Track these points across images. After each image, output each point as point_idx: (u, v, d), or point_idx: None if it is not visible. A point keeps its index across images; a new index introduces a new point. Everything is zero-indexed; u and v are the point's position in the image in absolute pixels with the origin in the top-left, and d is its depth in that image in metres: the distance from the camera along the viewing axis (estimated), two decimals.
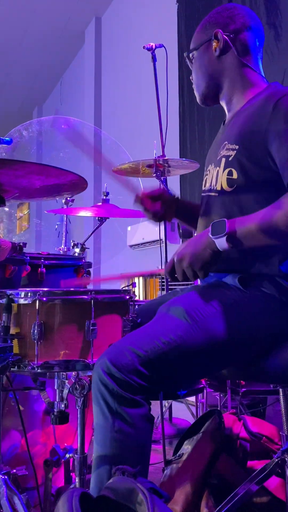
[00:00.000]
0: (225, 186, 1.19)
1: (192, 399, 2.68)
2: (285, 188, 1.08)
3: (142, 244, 4.46)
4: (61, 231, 2.61)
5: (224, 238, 1.04)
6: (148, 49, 2.18)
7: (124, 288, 1.33)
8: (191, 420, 2.47)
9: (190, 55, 1.34)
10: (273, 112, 1.10)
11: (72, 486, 1.28)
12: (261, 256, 1.13)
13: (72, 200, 2.35)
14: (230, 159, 1.18)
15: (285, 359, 1.10)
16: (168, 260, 1.16)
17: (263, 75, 1.30)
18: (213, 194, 1.25)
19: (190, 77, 1.39)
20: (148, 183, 2.66)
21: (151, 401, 1.03)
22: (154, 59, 2.21)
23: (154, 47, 2.18)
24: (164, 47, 2.22)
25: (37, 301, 1.10)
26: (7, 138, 1.00)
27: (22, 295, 1.13)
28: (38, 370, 1.10)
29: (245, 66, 1.26)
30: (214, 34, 1.25)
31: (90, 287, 1.74)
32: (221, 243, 1.05)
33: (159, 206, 1.38)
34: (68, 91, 7.58)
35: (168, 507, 1.35)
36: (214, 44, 1.26)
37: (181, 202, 1.47)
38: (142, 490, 0.73)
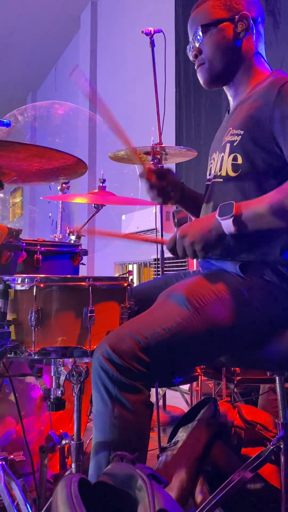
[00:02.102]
0: (230, 172, 1.19)
1: (186, 387, 2.69)
2: None
3: (136, 233, 4.44)
4: (55, 219, 2.58)
5: (231, 220, 1.04)
6: (147, 34, 2.15)
7: (122, 276, 1.32)
8: (185, 408, 2.48)
9: (201, 28, 1.23)
10: (277, 97, 1.10)
11: (67, 472, 1.28)
12: (262, 243, 1.13)
13: (68, 187, 2.33)
14: (235, 144, 1.18)
15: (283, 347, 1.11)
16: (172, 235, 1.16)
17: (268, 64, 1.29)
18: (217, 180, 1.24)
19: (193, 54, 1.27)
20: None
21: (154, 382, 1.04)
22: (152, 44, 2.17)
23: (152, 32, 2.15)
24: (163, 32, 2.19)
25: (35, 287, 1.09)
26: (5, 121, 0.98)
27: (19, 281, 1.12)
28: (35, 357, 1.09)
29: (259, 54, 1.26)
30: (240, 16, 1.21)
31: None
32: (228, 225, 1.05)
33: (166, 184, 1.35)
34: (63, 77, 7.49)
35: None
36: (240, 26, 1.22)
37: (187, 188, 1.45)
38: (142, 476, 0.73)
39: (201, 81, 1.30)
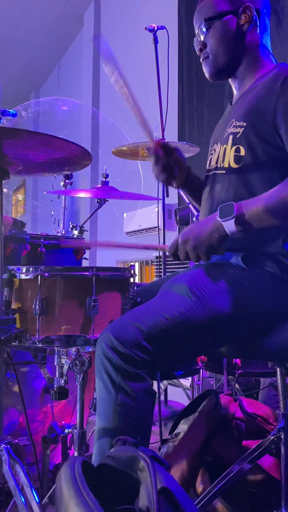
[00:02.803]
0: (232, 163, 1.20)
1: (187, 383, 2.71)
2: None
3: (138, 231, 4.45)
4: (57, 217, 2.60)
5: (233, 220, 1.04)
6: (150, 30, 2.16)
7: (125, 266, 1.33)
8: (186, 403, 2.49)
9: (205, 23, 1.25)
10: (280, 89, 1.11)
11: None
12: (264, 235, 1.13)
13: (71, 183, 2.34)
14: (237, 136, 1.19)
15: (284, 338, 1.12)
16: (173, 240, 1.16)
17: (273, 55, 1.30)
18: (219, 172, 1.25)
19: (198, 47, 1.29)
20: (147, 166, 2.65)
21: (157, 371, 1.05)
22: (155, 40, 2.19)
23: (156, 28, 2.16)
24: (166, 28, 2.20)
25: (39, 276, 1.11)
26: (12, 111, 1.00)
27: (24, 270, 1.13)
28: (39, 345, 1.10)
29: (263, 46, 1.27)
30: (243, 8, 1.22)
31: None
32: (229, 226, 1.05)
33: (172, 161, 1.32)
34: (66, 75, 7.50)
35: None
36: (244, 18, 1.22)
37: (192, 173, 1.42)
38: (144, 458, 0.74)
39: (206, 74, 1.31)
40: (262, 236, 1.14)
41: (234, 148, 1.19)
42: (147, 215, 4.05)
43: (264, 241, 1.15)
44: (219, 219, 1.06)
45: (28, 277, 1.13)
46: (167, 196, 2.42)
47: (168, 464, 0.79)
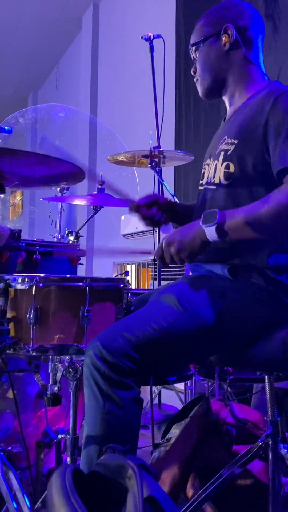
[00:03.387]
0: (222, 179, 1.23)
1: (180, 386, 2.74)
2: (276, 182, 1.12)
3: (135, 233, 4.48)
4: (54, 219, 2.63)
5: (214, 227, 1.08)
6: (146, 39, 2.19)
7: (118, 277, 1.36)
8: (180, 407, 2.52)
9: (194, 48, 1.33)
10: (271, 109, 1.14)
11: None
12: (250, 248, 1.17)
13: (67, 189, 2.37)
14: (228, 153, 1.22)
15: (271, 348, 1.15)
16: (159, 244, 1.21)
17: (265, 72, 1.33)
18: (210, 187, 1.28)
19: (192, 70, 1.38)
20: (143, 173, 2.68)
21: (141, 386, 1.07)
22: (151, 49, 2.22)
23: (152, 37, 2.19)
24: (162, 37, 2.23)
25: (34, 286, 1.14)
26: (7, 127, 1.02)
27: (19, 280, 1.16)
28: (33, 353, 1.13)
29: (250, 63, 1.29)
30: (224, 29, 1.27)
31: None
32: (211, 232, 1.09)
33: (155, 211, 1.39)
34: (64, 78, 7.52)
35: None
36: (224, 38, 1.27)
37: (177, 206, 1.49)
38: (132, 466, 0.77)
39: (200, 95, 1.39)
40: (247, 249, 1.17)
41: (224, 164, 1.22)
42: None
43: (249, 254, 1.18)
44: (202, 224, 1.10)
45: (23, 287, 1.15)
46: None
47: (156, 472, 0.82)
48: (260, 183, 1.17)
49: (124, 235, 4.69)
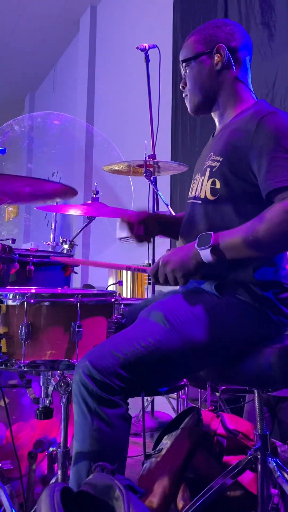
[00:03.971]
0: (208, 195, 1.25)
1: (173, 394, 2.75)
2: (265, 202, 1.13)
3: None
4: (50, 221, 2.64)
5: (209, 250, 1.10)
6: (142, 50, 2.20)
7: (110, 290, 1.37)
8: (173, 414, 2.54)
9: (184, 64, 1.35)
10: (256, 129, 1.15)
11: (54, 479, 1.34)
12: (236, 264, 1.18)
13: None
14: (214, 169, 1.24)
15: (259, 363, 1.16)
16: (155, 262, 1.22)
17: (252, 90, 1.35)
18: (197, 201, 1.30)
19: (181, 85, 1.39)
20: (139, 182, 2.70)
21: (134, 396, 1.09)
22: (147, 59, 2.23)
23: (147, 47, 2.21)
24: (158, 47, 2.24)
25: (25, 302, 1.15)
26: (0, 148, 1.03)
27: (11, 296, 1.17)
28: (25, 369, 1.14)
29: (240, 82, 1.31)
30: (217, 48, 1.28)
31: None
32: (206, 254, 1.11)
33: (142, 231, 1.41)
34: (61, 79, 7.53)
35: (147, 498, 1.43)
36: (217, 58, 1.29)
37: (167, 218, 1.51)
38: (119, 487, 0.79)
39: (188, 110, 1.39)
40: (234, 265, 1.19)
41: (210, 180, 1.24)
42: None
43: (235, 270, 1.19)
44: (197, 247, 1.12)
45: (15, 303, 1.16)
46: (157, 209, 2.47)
47: (143, 492, 0.83)
48: (246, 200, 1.19)
49: (120, 239, 4.71)
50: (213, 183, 1.23)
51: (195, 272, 1.14)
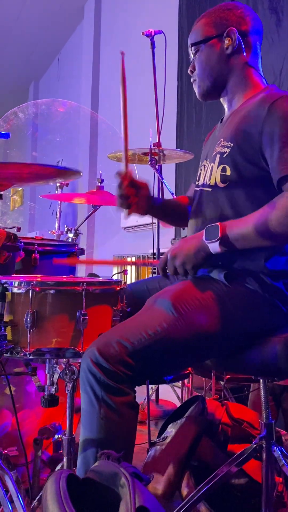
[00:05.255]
0: (218, 182, 1.23)
1: (178, 382, 2.76)
2: (276, 188, 1.12)
3: (136, 226, 4.49)
4: (55, 210, 2.63)
5: (217, 242, 1.10)
6: (147, 36, 2.17)
7: (115, 278, 1.37)
8: (177, 403, 2.55)
9: (193, 47, 1.31)
10: (267, 114, 1.13)
11: (59, 466, 1.35)
12: (246, 252, 1.17)
13: (67, 185, 2.37)
14: (224, 156, 1.22)
15: (265, 353, 1.16)
16: (163, 255, 1.21)
17: (263, 75, 1.32)
18: (206, 189, 1.28)
19: (189, 70, 1.36)
20: (144, 170, 2.67)
21: (140, 384, 1.08)
22: (153, 45, 2.20)
23: (153, 33, 2.17)
24: (164, 33, 2.21)
25: (30, 290, 1.14)
26: (4, 132, 1.02)
27: (16, 284, 1.17)
28: (30, 357, 1.14)
29: (250, 67, 1.28)
30: (227, 32, 1.25)
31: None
32: (214, 247, 1.11)
33: (131, 193, 1.31)
34: (65, 67, 7.45)
35: (151, 486, 1.44)
36: (227, 42, 1.26)
37: (158, 203, 1.44)
38: (125, 474, 0.79)
39: (197, 96, 1.37)
40: (244, 255, 1.18)
41: (220, 167, 1.22)
42: None
43: (246, 259, 1.18)
44: (204, 240, 1.12)
45: (20, 291, 1.16)
46: (162, 198, 2.45)
47: (148, 479, 0.83)
48: (257, 186, 1.18)
49: (125, 228, 4.69)
50: (224, 169, 1.22)
51: (204, 262, 1.14)
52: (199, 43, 1.30)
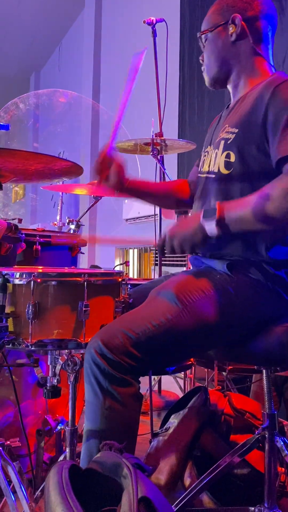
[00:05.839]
0: (222, 169, 1.22)
1: (180, 373, 2.76)
2: (277, 174, 1.10)
3: (137, 218, 4.47)
4: (57, 202, 2.62)
5: (214, 223, 1.09)
6: (149, 24, 2.14)
7: (117, 270, 1.36)
8: (180, 394, 2.56)
9: (203, 36, 1.31)
10: (271, 97, 1.12)
11: (62, 456, 1.35)
12: (249, 242, 1.17)
13: None
14: (229, 142, 1.21)
15: (268, 343, 1.15)
16: (162, 235, 1.21)
17: (272, 64, 1.30)
18: (210, 176, 1.28)
19: (200, 59, 1.36)
20: (145, 161, 2.65)
21: (144, 375, 1.09)
22: (154, 34, 2.17)
23: (154, 21, 2.14)
24: (165, 21, 2.18)
25: (32, 282, 1.14)
26: (4, 123, 1.01)
27: (17, 276, 1.16)
28: (32, 348, 1.14)
29: (257, 54, 1.26)
30: (231, 19, 1.24)
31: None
32: (211, 228, 1.09)
33: (105, 166, 1.31)
34: (67, 57, 7.40)
35: (154, 476, 1.44)
36: (231, 29, 1.24)
37: (132, 184, 1.41)
38: (127, 465, 0.79)
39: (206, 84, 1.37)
40: (246, 244, 1.17)
41: (225, 153, 1.21)
42: None
43: (248, 250, 1.18)
44: (202, 220, 1.11)
45: (21, 282, 1.15)
46: None
47: (151, 470, 0.84)
48: (261, 173, 1.16)
49: (127, 220, 4.68)
50: (228, 156, 1.21)
51: (202, 243, 1.13)
52: (206, 31, 1.30)
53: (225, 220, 1.08)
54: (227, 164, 1.21)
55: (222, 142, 1.23)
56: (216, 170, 1.24)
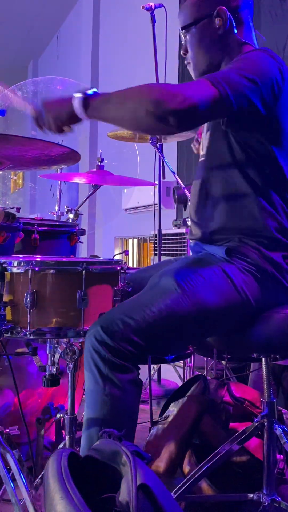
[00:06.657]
0: (208, 148, 1.26)
1: (180, 362, 2.77)
2: (265, 152, 1.14)
3: (137, 208, 4.46)
4: (55, 191, 2.61)
5: (81, 99, 1.07)
6: (147, 9, 2.11)
7: (116, 259, 1.35)
8: (179, 382, 2.57)
9: (184, 30, 1.26)
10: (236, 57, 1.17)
11: (62, 444, 1.36)
12: (247, 227, 1.17)
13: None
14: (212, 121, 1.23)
15: (268, 329, 1.15)
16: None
17: (257, 46, 1.29)
18: (201, 158, 1.30)
19: (182, 52, 1.31)
20: (144, 149, 2.64)
21: (140, 365, 1.09)
22: (153, 20, 2.14)
23: (153, 7, 2.11)
24: (164, 7, 2.15)
25: (30, 270, 1.13)
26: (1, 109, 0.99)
27: (15, 264, 1.16)
28: (31, 337, 1.14)
29: (244, 43, 1.25)
30: (217, 12, 1.20)
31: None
32: (77, 103, 1.08)
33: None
34: (65, 45, 7.31)
35: (153, 464, 1.45)
36: (218, 22, 1.21)
37: None
38: (126, 452, 0.79)
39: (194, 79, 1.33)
40: (245, 229, 1.18)
41: (208, 133, 1.25)
42: (146, 192, 4.04)
43: (246, 235, 1.18)
44: (74, 94, 1.09)
45: (19, 270, 1.15)
46: (164, 178, 2.42)
47: (150, 458, 0.83)
48: (244, 152, 1.18)
49: (126, 209, 4.66)
50: (211, 134, 1.23)
51: (66, 119, 1.11)
52: (189, 26, 1.25)
53: (93, 98, 1.07)
54: (211, 143, 1.24)
55: (205, 125, 1.26)
56: (203, 152, 1.27)
